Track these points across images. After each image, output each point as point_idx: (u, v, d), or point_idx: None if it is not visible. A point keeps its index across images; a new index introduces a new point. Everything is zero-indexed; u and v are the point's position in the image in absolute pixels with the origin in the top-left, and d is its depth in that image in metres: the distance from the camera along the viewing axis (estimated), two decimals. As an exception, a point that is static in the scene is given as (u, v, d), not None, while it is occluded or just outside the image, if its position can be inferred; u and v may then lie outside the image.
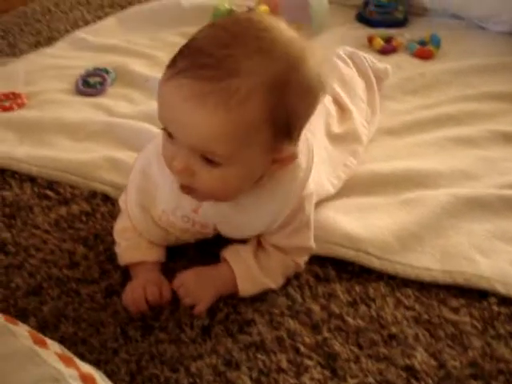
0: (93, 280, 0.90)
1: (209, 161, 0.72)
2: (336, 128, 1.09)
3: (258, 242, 0.89)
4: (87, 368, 0.57)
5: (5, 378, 0.51)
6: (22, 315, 0.85)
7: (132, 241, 0.90)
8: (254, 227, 0.86)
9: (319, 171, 0.94)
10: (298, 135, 0.77)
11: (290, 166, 0.80)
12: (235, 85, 0.67)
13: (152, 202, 0.88)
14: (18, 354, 0.54)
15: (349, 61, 1.23)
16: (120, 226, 0.92)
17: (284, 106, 0.71)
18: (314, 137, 0.96)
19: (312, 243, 0.89)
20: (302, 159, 0.82)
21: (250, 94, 0.68)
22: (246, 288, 0.86)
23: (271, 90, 0.69)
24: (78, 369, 0.55)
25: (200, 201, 0.82)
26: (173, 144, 0.74)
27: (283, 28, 0.73)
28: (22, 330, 0.59)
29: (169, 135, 0.73)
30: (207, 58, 0.68)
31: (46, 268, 0.92)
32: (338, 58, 1.24)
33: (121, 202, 0.92)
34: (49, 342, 0.60)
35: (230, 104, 0.67)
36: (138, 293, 0.85)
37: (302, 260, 0.90)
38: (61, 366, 0.54)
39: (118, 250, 0.91)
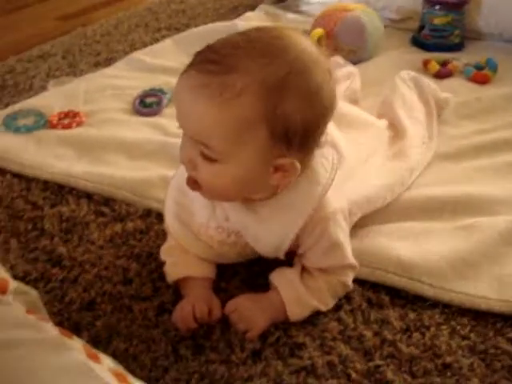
0: (145, 297, 0.91)
1: (207, 157, 0.76)
2: (387, 149, 1.09)
3: (303, 265, 0.89)
4: None
5: None
6: (75, 329, 0.86)
7: (177, 257, 0.91)
8: (270, 239, 0.86)
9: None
10: (302, 146, 0.77)
11: (307, 180, 0.81)
12: (232, 80, 0.71)
13: (190, 217, 0.90)
14: (72, 368, 0.54)
15: (411, 84, 1.23)
16: (166, 246, 0.94)
17: (282, 109, 0.73)
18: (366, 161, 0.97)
19: (350, 260, 0.87)
20: (322, 175, 0.83)
21: (245, 90, 0.72)
22: (294, 311, 0.85)
23: (268, 90, 0.72)
24: None
25: (206, 198, 0.85)
26: (183, 136, 0.79)
27: (303, 41, 0.76)
28: (76, 344, 0.59)
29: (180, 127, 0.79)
30: (214, 54, 0.74)
31: (100, 283, 0.93)
32: (401, 79, 1.24)
33: (165, 225, 0.94)
34: (102, 356, 0.60)
35: (224, 97, 0.72)
36: (186, 310, 0.85)
37: (349, 278, 0.88)
38: (114, 382, 0.54)
39: (165, 268, 0.92)
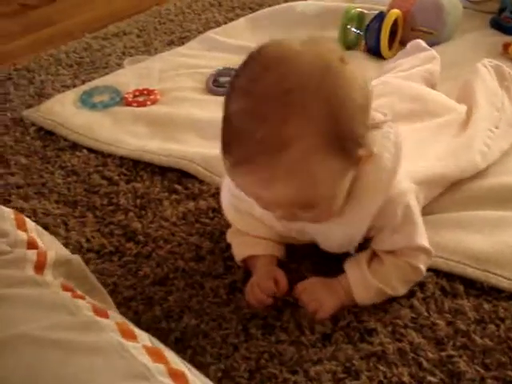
0: (217, 275, 0.92)
1: (303, 208, 0.75)
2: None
3: (373, 250, 0.88)
4: (177, 362, 0.56)
5: (92, 374, 0.50)
6: (147, 303, 0.88)
7: (242, 238, 0.92)
8: (340, 237, 0.86)
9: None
10: (363, 136, 0.75)
11: (373, 168, 0.78)
12: (290, 156, 0.68)
13: (247, 207, 0.88)
14: (106, 349, 0.54)
15: (492, 71, 1.19)
16: (231, 229, 0.95)
17: (340, 135, 0.71)
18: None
19: (421, 241, 0.85)
20: (386, 159, 0.80)
21: (309, 154, 0.69)
22: (360, 294, 0.85)
23: (324, 137, 0.69)
24: (166, 363, 0.54)
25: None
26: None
27: (302, 64, 0.70)
28: (111, 323, 0.59)
29: None
30: (254, 145, 0.68)
31: (173, 260, 0.95)
32: (482, 65, 1.20)
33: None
34: (138, 333, 0.59)
35: (298, 174, 0.70)
36: (254, 288, 0.86)
37: (420, 262, 0.86)
38: (148, 362, 0.53)
39: (232, 249, 0.93)
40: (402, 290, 0.86)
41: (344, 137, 0.71)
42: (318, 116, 0.68)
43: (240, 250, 0.92)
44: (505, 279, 0.88)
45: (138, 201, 1.08)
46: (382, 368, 0.77)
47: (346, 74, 0.71)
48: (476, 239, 0.93)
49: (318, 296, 0.85)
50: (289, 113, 0.68)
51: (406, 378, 0.76)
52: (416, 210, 0.85)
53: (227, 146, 0.72)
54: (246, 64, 0.73)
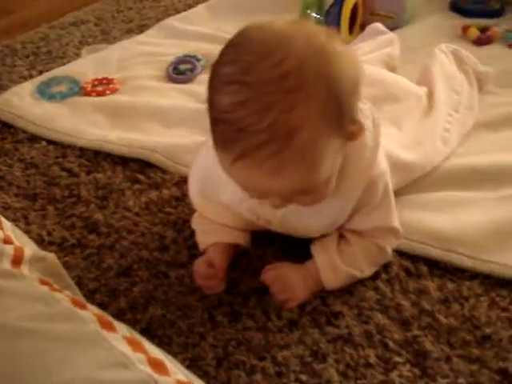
0: (181, 264, 0.91)
1: (303, 193, 0.73)
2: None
3: (340, 232, 0.87)
4: (157, 352, 0.57)
5: (71, 363, 0.50)
6: (112, 295, 0.87)
7: (206, 225, 0.91)
8: (323, 222, 0.85)
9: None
10: (356, 111, 0.73)
11: (355, 147, 0.77)
12: (300, 140, 0.65)
13: (215, 193, 0.88)
14: (85, 339, 0.54)
15: (450, 56, 1.20)
16: (196, 215, 0.94)
17: (339, 111, 0.69)
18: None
19: (394, 223, 0.86)
20: (367, 137, 0.79)
21: (317, 135, 0.67)
22: (328, 277, 0.84)
23: (328, 116, 0.67)
24: (146, 353, 0.54)
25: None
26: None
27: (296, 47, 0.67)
28: (90, 314, 0.59)
29: None
30: (261, 135, 0.65)
31: (137, 250, 0.94)
32: (440, 50, 1.21)
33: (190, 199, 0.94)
34: (117, 325, 0.59)
35: (307, 157, 0.67)
36: (195, 272, 0.88)
37: (388, 244, 0.87)
38: (128, 351, 0.53)
39: (196, 237, 0.93)
40: (368, 272, 0.87)
41: (343, 113, 0.70)
42: (320, 96, 0.66)
43: (204, 237, 0.91)
44: (467, 258, 0.89)
45: (100, 192, 1.06)
46: (348, 350, 0.78)
47: (337, 49, 0.69)
48: (438, 219, 0.94)
49: (290, 286, 0.84)
50: (293, 97, 0.65)
51: (372, 360, 0.77)
52: (391, 190, 0.86)
53: (227, 141, 0.68)
54: (230, 52, 0.69)
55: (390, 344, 0.79)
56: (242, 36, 0.69)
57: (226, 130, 0.67)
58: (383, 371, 0.76)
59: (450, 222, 0.94)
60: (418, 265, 0.89)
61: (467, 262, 0.89)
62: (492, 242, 0.91)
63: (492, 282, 0.87)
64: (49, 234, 0.98)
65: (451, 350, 0.78)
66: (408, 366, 0.76)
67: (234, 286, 0.87)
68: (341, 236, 0.87)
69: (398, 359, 0.77)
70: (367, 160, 0.80)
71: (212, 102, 0.69)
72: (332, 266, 0.84)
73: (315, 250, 0.86)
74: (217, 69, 0.69)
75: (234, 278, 0.88)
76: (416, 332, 0.80)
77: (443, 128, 1.07)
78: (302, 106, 0.65)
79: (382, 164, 0.83)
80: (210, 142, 0.77)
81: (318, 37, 0.68)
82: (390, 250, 0.87)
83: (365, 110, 0.81)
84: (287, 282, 0.84)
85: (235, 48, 0.68)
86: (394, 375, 0.75)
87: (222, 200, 0.88)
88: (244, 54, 0.66)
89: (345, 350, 0.78)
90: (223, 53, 0.69)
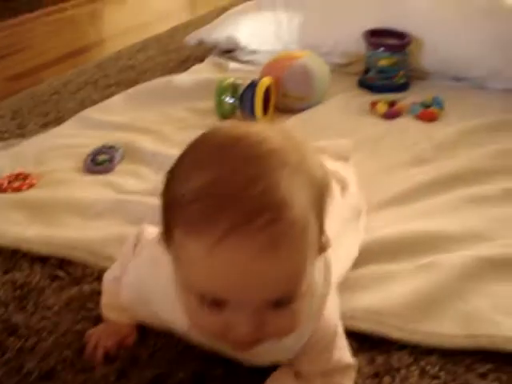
0: (106, 360, 0.87)
1: (280, 303, 0.62)
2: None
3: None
4: None
5: None
6: (34, 402, 0.82)
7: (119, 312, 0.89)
8: (272, 355, 0.78)
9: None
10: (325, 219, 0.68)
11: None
12: (292, 215, 0.59)
13: (145, 306, 0.81)
14: None
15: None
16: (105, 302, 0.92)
17: (320, 204, 0.65)
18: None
19: (350, 359, 0.80)
20: (317, 284, 0.73)
21: (307, 216, 0.61)
22: None
23: (317, 201, 0.63)
24: None
25: (251, 348, 0.67)
26: (223, 311, 0.62)
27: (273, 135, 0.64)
28: None
29: (214, 304, 0.62)
30: (245, 204, 0.58)
31: (59, 351, 0.90)
32: None
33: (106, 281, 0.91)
34: None
35: (298, 236, 0.60)
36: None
37: (350, 380, 0.81)
38: None
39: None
40: None
41: (322, 208, 0.65)
42: (304, 183, 0.61)
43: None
44: (398, 330, 0.89)
45: (18, 291, 1.02)
46: None
47: (307, 151, 0.65)
48: (365, 296, 0.95)
49: None
50: (279, 173, 0.59)
51: None
52: (342, 332, 0.80)
53: (209, 217, 0.58)
54: (193, 151, 0.65)
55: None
56: (206, 134, 0.66)
57: (208, 206, 0.58)
58: None
59: (377, 297, 0.94)
60: (348, 342, 0.88)
61: (396, 334, 0.89)
62: (415, 312, 0.92)
63: (420, 350, 0.87)
64: (-36, 341, 0.93)
65: (387, 425, 0.78)
66: None
67: (160, 381, 0.84)
68: (296, 374, 0.80)
69: None
70: (315, 310, 0.74)
71: (180, 184, 0.62)
72: None
73: None
74: (181, 159, 0.65)
75: (160, 373, 0.84)
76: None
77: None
78: (289, 180, 0.60)
79: (332, 315, 0.77)
80: (139, 261, 0.78)
81: (288, 134, 0.66)
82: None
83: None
84: None
85: (197, 146, 0.65)
86: None
87: (152, 312, 0.81)
88: (215, 140, 0.64)
89: None
90: (185, 153, 0.66)
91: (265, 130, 0.65)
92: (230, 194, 0.58)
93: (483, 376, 0.84)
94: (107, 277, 0.92)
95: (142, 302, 0.81)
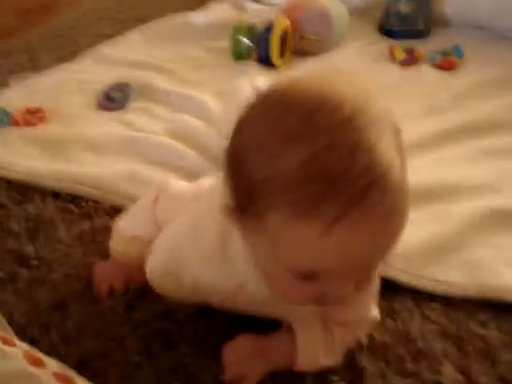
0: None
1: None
2: None
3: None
4: None
5: None
6: (44, 330, 0.85)
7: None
8: None
9: None
10: None
11: None
12: (394, 178, 0.56)
13: (179, 275, 0.77)
14: (13, 377, 0.53)
15: None
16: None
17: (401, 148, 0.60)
18: None
19: (375, 313, 0.79)
20: None
21: (404, 174, 0.58)
22: (304, 363, 0.77)
23: (400, 147, 0.59)
24: None
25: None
26: (317, 282, 0.61)
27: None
28: (18, 351, 0.58)
29: (309, 277, 0.60)
30: (354, 181, 0.54)
31: (69, 282, 0.92)
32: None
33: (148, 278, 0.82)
34: (46, 360, 0.59)
35: (405, 201, 0.58)
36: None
37: (363, 333, 0.82)
38: None
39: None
40: (340, 360, 0.79)
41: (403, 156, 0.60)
42: (390, 133, 0.58)
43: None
44: (403, 273, 0.91)
45: (30, 223, 1.04)
46: (283, 373, 0.78)
47: (371, 90, 0.61)
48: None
49: (246, 359, 0.76)
50: (369, 133, 0.55)
51: (310, 382, 0.77)
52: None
53: (314, 204, 0.54)
54: (264, 111, 0.60)
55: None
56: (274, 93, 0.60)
57: (317, 186, 0.54)
58: (320, 392, 0.76)
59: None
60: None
61: (404, 278, 0.90)
62: (423, 258, 0.93)
63: (423, 296, 0.89)
64: (-23, 269, 0.95)
65: (387, 366, 0.79)
66: (344, 385, 0.77)
67: (169, 314, 0.85)
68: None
69: (335, 379, 0.77)
70: None
71: (266, 160, 0.57)
72: (313, 354, 0.77)
73: (299, 331, 0.77)
74: (256, 129, 0.59)
75: (168, 305, 0.86)
76: (352, 350, 0.81)
77: None
78: (382, 139, 0.56)
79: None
80: (177, 226, 0.75)
81: (353, 79, 0.61)
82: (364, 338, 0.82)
83: None
84: (242, 354, 0.77)
85: (272, 104, 0.59)
86: (330, 395, 0.76)
87: (186, 280, 0.76)
88: (291, 108, 0.57)
89: (282, 372, 0.77)
90: (254, 113, 0.60)
91: (328, 82, 0.59)
92: (335, 170, 0.54)
93: (483, 324, 0.85)
94: (120, 224, 0.90)
95: (176, 265, 0.76)
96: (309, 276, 0.60)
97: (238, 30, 1.52)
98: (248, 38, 1.53)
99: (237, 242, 0.68)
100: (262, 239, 0.60)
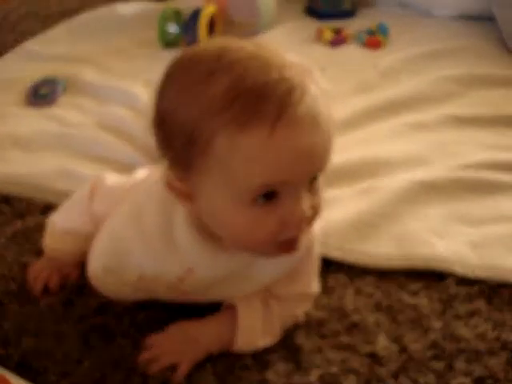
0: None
1: (314, 185, 0.66)
2: None
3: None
4: None
5: None
6: (-18, 334, 0.84)
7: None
8: (264, 278, 0.78)
9: None
10: None
11: None
12: (318, 92, 0.63)
13: (123, 268, 0.77)
14: None
15: None
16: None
17: None
18: None
19: (315, 288, 0.82)
20: None
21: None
22: (244, 343, 0.78)
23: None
24: None
25: (292, 251, 0.68)
26: (276, 207, 0.63)
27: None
28: None
29: (267, 200, 0.63)
30: (281, 90, 0.60)
31: (4, 283, 0.91)
32: None
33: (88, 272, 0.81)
34: None
35: (329, 111, 0.64)
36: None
37: (302, 310, 0.83)
38: None
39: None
40: (277, 339, 0.81)
41: None
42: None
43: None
44: (335, 249, 0.93)
45: (-38, 227, 1.02)
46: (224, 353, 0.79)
47: None
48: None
49: (176, 347, 0.78)
50: (283, 54, 0.64)
51: (248, 361, 0.78)
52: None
53: (253, 113, 0.59)
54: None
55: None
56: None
57: (248, 100, 0.59)
58: (258, 371, 0.77)
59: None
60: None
61: (336, 254, 0.93)
62: (354, 233, 0.96)
63: (356, 271, 0.92)
64: None
65: (323, 340, 0.81)
66: (283, 362, 0.78)
67: (107, 308, 0.86)
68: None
69: (272, 357, 0.79)
70: None
71: (195, 96, 0.61)
72: (253, 333, 0.78)
73: (241, 308, 0.78)
74: (176, 85, 0.65)
75: (106, 299, 0.86)
76: (288, 328, 0.82)
77: None
78: (295, 61, 0.63)
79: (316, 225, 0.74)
80: (119, 214, 0.75)
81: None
82: (303, 315, 0.83)
83: None
84: (172, 343, 0.78)
85: (185, 65, 0.66)
86: (269, 373, 0.77)
87: (132, 275, 0.76)
88: (200, 58, 0.64)
89: (221, 354, 0.79)
90: (169, 76, 0.66)
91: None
92: (259, 83, 0.59)
93: (415, 294, 0.88)
94: (53, 219, 0.90)
95: (119, 260, 0.76)
96: (268, 195, 0.62)
97: (165, 16, 1.51)
98: (175, 25, 1.52)
99: (181, 224, 0.70)
100: (215, 178, 0.62)
